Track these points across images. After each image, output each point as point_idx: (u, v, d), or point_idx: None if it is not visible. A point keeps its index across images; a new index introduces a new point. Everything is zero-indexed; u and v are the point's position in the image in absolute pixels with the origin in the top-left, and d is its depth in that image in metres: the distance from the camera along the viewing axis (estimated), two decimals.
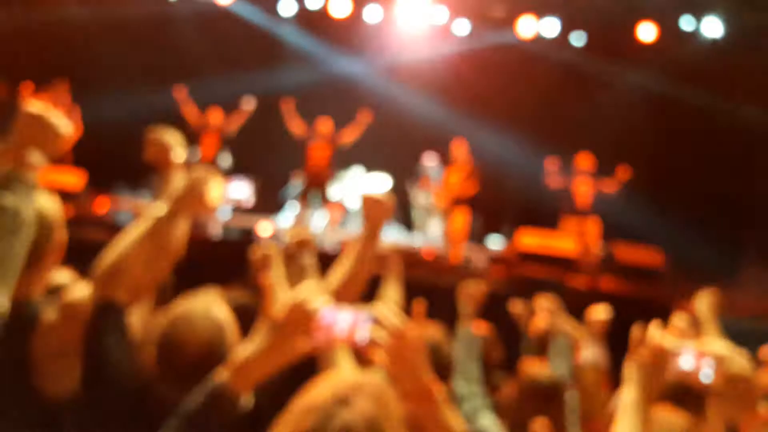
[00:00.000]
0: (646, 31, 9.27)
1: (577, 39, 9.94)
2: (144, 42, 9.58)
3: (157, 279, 1.79)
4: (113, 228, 6.17)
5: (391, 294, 2.82)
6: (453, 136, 8.49)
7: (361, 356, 2.15)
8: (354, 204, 9.31)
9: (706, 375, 1.47)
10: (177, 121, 8.33)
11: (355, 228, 9.25)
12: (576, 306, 4.01)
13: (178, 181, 1.88)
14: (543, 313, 3.61)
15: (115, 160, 7.78)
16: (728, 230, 8.65)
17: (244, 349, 1.36)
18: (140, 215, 1.80)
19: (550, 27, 9.70)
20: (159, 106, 8.24)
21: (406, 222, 9.44)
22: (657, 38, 9.29)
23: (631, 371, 1.54)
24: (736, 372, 1.54)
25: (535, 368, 2.74)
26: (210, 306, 1.77)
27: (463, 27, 10.03)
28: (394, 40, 10.06)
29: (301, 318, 1.31)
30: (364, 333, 1.27)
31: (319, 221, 8.55)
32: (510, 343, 3.83)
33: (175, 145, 2.07)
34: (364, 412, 1.08)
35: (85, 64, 9.27)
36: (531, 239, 7.56)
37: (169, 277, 1.91)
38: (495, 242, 9.49)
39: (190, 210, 1.75)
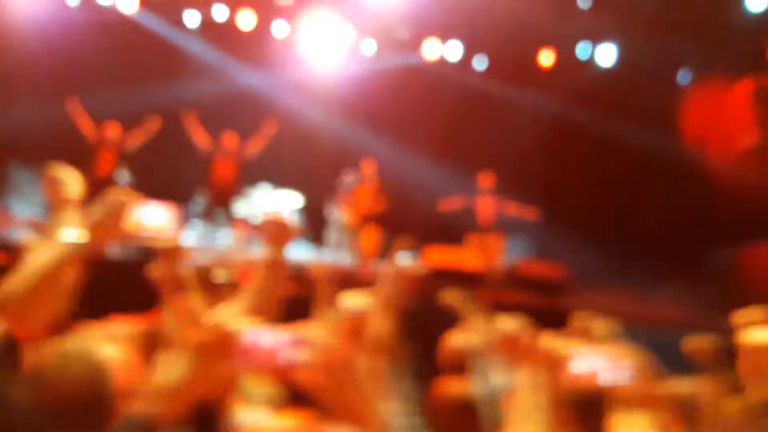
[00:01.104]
0: (546, 57, 9.72)
1: (480, 62, 10.27)
2: (40, 50, 9.03)
3: (58, 312, 1.67)
4: (7, 247, 5.77)
5: (324, 314, 2.75)
6: (361, 154, 8.55)
7: (282, 379, 2.10)
8: (260, 222, 9.14)
9: (604, 378, 1.49)
10: (73, 135, 7.94)
11: (260, 247, 9.08)
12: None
13: (94, 209, 1.77)
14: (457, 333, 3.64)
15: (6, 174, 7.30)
16: (619, 243, 9.16)
17: (162, 377, 1.28)
18: (40, 235, 1.68)
19: (453, 50, 9.97)
20: (54, 118, 7.83)
21: (317, 238, 9.38)
22: (555, 64, 9.75)
23: (525, 378, 1.54)
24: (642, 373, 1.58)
25: (450, 386, 2.75)
26: (90, 346, 1.59)
27: (369, 47, 10.14)
28: (301, 56, 10.02)
29: (223, 341, 1.25)
30: (287, 355, 1.24)
31: (224, 239, 8.34)
32: (423, 356, 3.84)
33: (69, 182, 1.96)
34: None
35: None
36: (437, 255, 7.71)
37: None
38: (404, 259, 9.56)
39: (106, 237, 1.66)
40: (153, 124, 8.11)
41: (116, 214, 1.65)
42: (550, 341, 1.57)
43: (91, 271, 1.70)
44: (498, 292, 7.71)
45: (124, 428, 1.25)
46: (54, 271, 1.58)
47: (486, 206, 8.26)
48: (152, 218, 8.11)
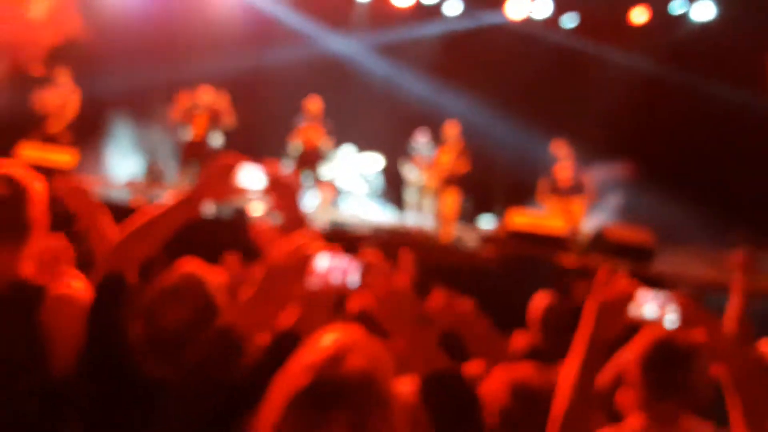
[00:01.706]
0: (639, 14, 9.32)
1: (569, 20, 9.95)
2: (145, 19, 9.34)
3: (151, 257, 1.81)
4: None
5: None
6: (445, 116, 8.53)
7: (343, 304, 2.22)
8: (346, 184, 9.33)
9: (670, 321, 1.50)
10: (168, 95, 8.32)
11: (346, 207, 9.29)
12: (566, 283, 4.08)
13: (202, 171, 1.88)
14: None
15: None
16: (715, 209, 8.77)
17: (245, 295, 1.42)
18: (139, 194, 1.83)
19: (542, 8, 9.71)
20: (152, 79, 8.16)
21: (398, 201, 9.49)
22: (648, 20, 9.33)
23: (591, 310, 1.55)
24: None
25: None
26: (195, 275, 1.78)
27: (454, 6, 10.00)
28: (384, 18, 10.02)
29: (297, 262, 1.36)
30: (355, 278, 1.35)
31: (311, 201, 8.58)
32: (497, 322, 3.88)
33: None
34: (358, 367, 1.12)
35: None
36: (521, 219, 7.62)
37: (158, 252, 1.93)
38: (486, 222, 9.57)
39: (212, 196, 1.75)
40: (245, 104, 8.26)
41: (224, 174, 1.73)
42: (624, 278, 1.58)
43: (189, 228, 1.81)
44: (583, 257, 7.58)
45: (215, 341, 1.36)
46: (163, 224, 1.72)
47: (564, 171, 8.10)
48: (252, 179, 8.41)
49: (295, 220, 1.77)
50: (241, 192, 1.74)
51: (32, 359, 1.75)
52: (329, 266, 1.37)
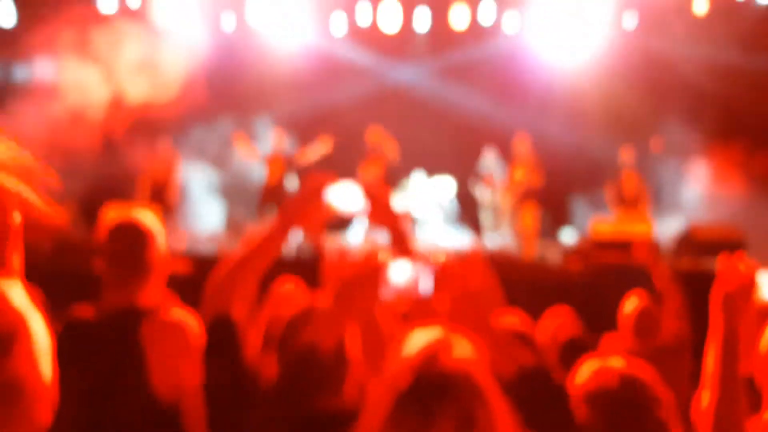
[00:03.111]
0: (700, 5, 9.04)
1: (630, 20, 9.72)
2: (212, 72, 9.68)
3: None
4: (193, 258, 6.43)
5: None
6: (513, 131, 8.45)
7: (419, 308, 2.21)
8: (420, 212, 9.34)
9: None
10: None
11: (422, 236, 9.27)
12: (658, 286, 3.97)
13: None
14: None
15: None
16: None
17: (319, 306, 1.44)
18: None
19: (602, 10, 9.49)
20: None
21: (475, 224, 9.40)
22: (709, 10, 9.03)
23: (717, 301, 1.53)
24: None
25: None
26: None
27: (512, 24, 9.95)
28: (444, 44, 10.09)
29: (369, 271, 1.39)
30: (427, 285, 1.37)
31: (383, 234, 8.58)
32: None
33: None
34: (456, 362, 1.14)
35: None
36: (605, 227, 7.45)
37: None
38: (567, 235, 9.36)
39: (303, 222, 1.66)
40: (324, 144, 8.45)
41: (314, 196, 1.64)
42: (744, 264, 1.57)
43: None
44: (674, 259, 7.32)
45: (296, 359, 1.40)
46: (259, 256, 1.68)
47: (629, 180, 8.12)
48: (347, 200, 8.52)
49: (399, 237, 1.62)
50: (335, 213, 1.61)
51: (134, 376, 1.89)
52: (402, 274, 1.37)
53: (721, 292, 1.53)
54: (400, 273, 1.38)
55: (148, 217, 2.14)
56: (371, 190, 1.62)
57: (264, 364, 1.74)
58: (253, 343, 1.80)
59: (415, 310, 1.68)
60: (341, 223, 7.69)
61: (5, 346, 0.75)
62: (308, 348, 1.42)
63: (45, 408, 0.80)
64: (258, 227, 1.88)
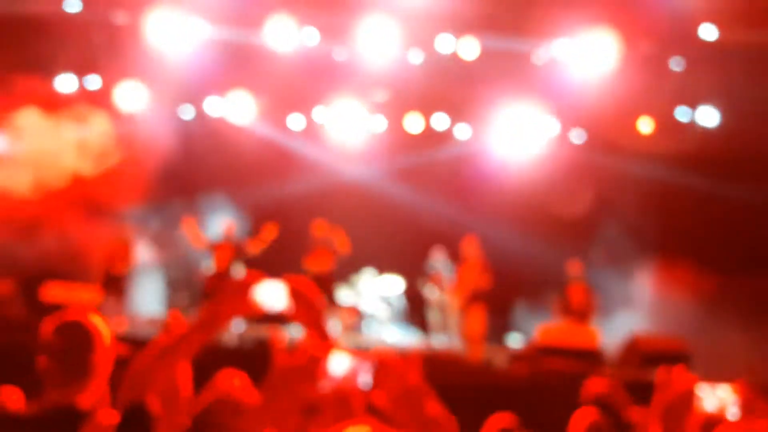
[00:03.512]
0: (645, 124, 9.56)
1: (577, 137, 10.21)
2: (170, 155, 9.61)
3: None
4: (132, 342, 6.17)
5: None
6: (462, 233, 8.56)
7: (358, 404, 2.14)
8: (367, 308, 9.24)
9: (732, 414, 1.54)
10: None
11: (369, 332, 9.15)
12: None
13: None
14: None
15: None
16: (743, 318, 8.52)
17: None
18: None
19: (549, 127, 9.95)
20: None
21: (421, 322, 9.34)
22: (655, 130, 9.54)
23: (657, 412, 1.54)
24: None
25: None
26: None
27: (464, 131, 10.32)
28: (398, 145, 10.35)
29: (307, 365, 1.37)
30: (367, 378, 1.36)
31: (333, 326, 8.48)
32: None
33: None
34: None
35: None
36: (550, 334, 7.50)
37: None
38: (514, 339, 9.34)
39: (232, 315, 1.71)
40: (269, 234, 8.42)
41: (242, 292, 1.69)
42: (684, 377, 1.60)
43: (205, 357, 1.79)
44: (621, 369, 7.36)
45: None
46: (181, 349, 1.69)
47: (577, 293, 8.30)
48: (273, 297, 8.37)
49: (319, 336, 1.69)
50: (260, 310, 1.67)
51: None
52: (341, 367, 1.37)
53: (660, 404, 1.54)
54: (339, 366, 1.38)
55: (96, 319, 2.14)
56: (297, 288, 1.68)
57: None
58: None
59: (339, 404, 1.65)
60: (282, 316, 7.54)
61: None
62: None
63: None
64: (178, 316, 1.87)
